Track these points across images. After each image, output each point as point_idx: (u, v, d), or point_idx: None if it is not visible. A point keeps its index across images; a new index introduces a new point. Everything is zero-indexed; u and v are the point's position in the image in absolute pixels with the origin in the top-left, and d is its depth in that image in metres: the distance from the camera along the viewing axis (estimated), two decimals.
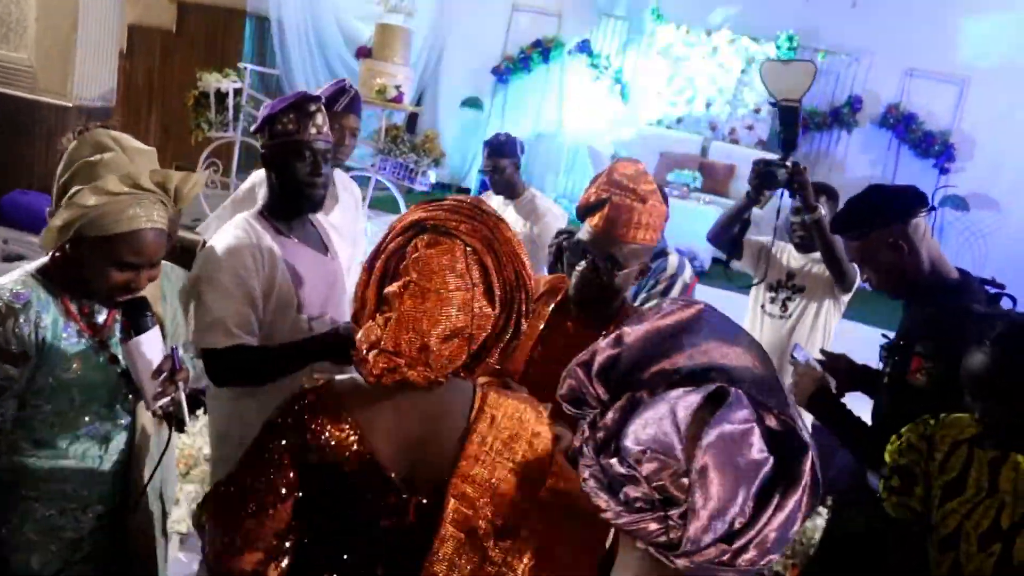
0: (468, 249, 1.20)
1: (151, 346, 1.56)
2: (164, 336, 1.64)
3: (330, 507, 1.25)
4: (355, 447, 1.21)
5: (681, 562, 0.75)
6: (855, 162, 8.28)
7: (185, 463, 3.14)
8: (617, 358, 0.85)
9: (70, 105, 6.02)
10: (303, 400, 1.25)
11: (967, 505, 1.49)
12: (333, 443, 1.21)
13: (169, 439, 1.74)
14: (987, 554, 1.43)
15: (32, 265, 1.60)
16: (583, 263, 1.77)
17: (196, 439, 3.15)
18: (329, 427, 1.22)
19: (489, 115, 9.08)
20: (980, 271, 2.29)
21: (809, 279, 2.95)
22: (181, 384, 1.59)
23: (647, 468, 0.76)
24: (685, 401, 0.77)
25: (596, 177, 1.81)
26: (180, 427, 1.66)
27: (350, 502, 1.24)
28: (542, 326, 1.88)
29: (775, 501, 0.75)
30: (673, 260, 2.74)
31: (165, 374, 1.56)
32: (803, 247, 2.93)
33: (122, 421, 1.66)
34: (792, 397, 1.66)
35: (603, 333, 1.75)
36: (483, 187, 3.03)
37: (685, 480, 0.75)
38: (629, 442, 0.78)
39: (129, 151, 1.53)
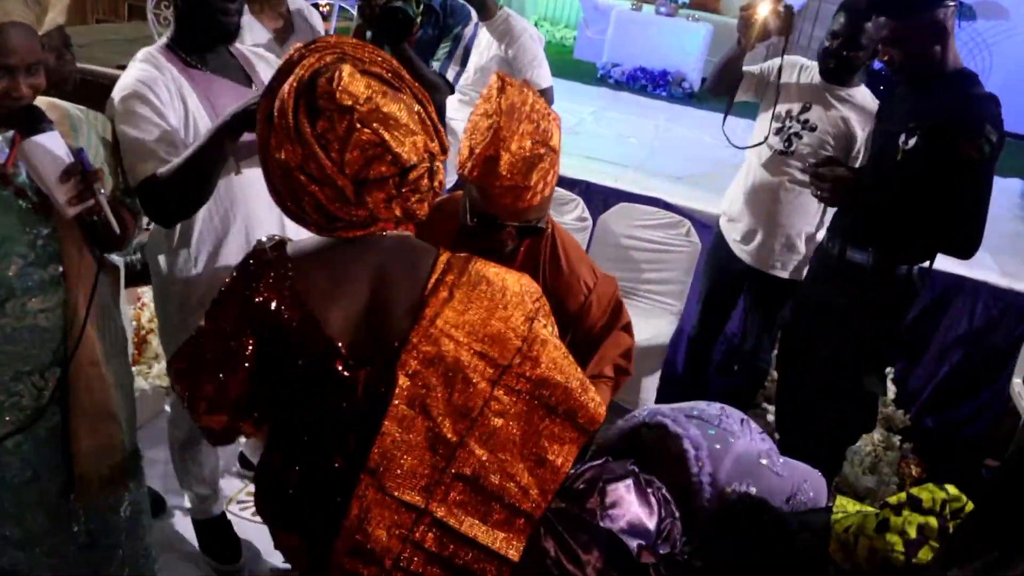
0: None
1: (53, 148, 1.41)
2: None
3: (284, 381, 1.25)
4: (299, 316, 1.19)
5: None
6: None
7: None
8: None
9: None
10: (250, 266, 1.24)
11: None
12: (277, 313, 1.20)
13: (99, 269, 1.60)
14: None
15: None
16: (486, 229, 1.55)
17: None
18: (273, 298, 1.20)
19: None
20: (985, 83, 2.20)
21: (826, 120, 2.59)
22: (97, 186, 1.45)
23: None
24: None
25: (471, 156, 1.49)
26: (110, 235, 1.51)
27: (301, 377, 1.23)
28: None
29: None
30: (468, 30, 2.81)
31: (76, 176, 1.42)
32: (831, 75, 2.58)
33: (53, 268, 1.54)
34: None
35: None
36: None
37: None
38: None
39: None
